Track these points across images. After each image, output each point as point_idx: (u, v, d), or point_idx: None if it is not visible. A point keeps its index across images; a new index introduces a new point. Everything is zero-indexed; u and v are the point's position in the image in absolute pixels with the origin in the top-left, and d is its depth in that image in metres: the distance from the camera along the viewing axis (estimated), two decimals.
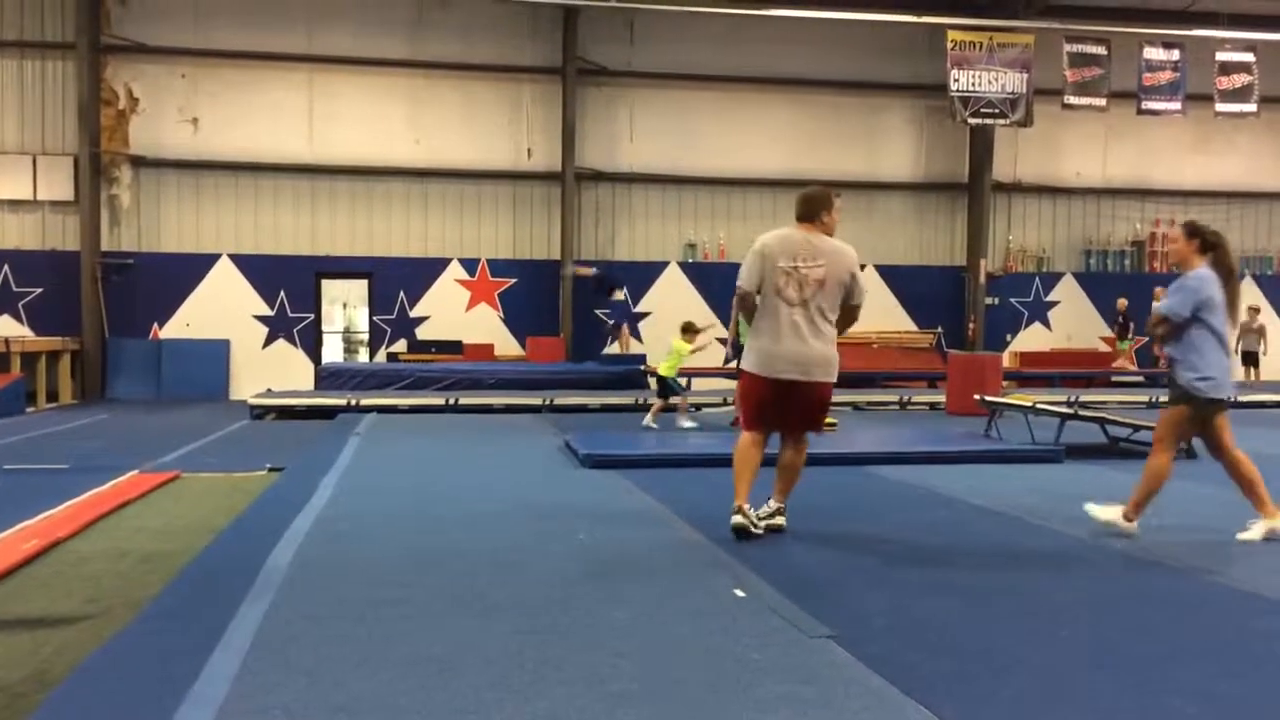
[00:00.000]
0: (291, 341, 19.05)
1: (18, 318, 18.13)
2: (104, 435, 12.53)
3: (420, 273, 19.37)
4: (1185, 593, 4.90)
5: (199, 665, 3.66)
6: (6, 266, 18.19)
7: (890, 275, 20.87)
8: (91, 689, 3.52)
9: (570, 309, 19.43)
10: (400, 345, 19.24)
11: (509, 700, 3.36)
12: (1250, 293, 21.86)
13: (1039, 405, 11.09)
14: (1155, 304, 6.14)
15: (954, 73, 18.39)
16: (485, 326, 19.51)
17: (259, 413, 14.60)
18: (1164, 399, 6.41)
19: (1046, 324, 21.48)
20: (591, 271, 18.93)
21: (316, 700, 3.35)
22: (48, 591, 5.14)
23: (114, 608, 4.77)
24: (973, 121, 18.93)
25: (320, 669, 3.65)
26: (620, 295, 19.10)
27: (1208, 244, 6.04)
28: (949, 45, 18.41)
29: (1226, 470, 6.07)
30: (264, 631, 4.07)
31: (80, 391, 17.91)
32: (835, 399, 16.20)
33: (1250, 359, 20.23)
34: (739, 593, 4.71)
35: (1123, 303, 20.50)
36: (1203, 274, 5.96)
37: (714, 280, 20.22)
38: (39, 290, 18.23)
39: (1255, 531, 5.97)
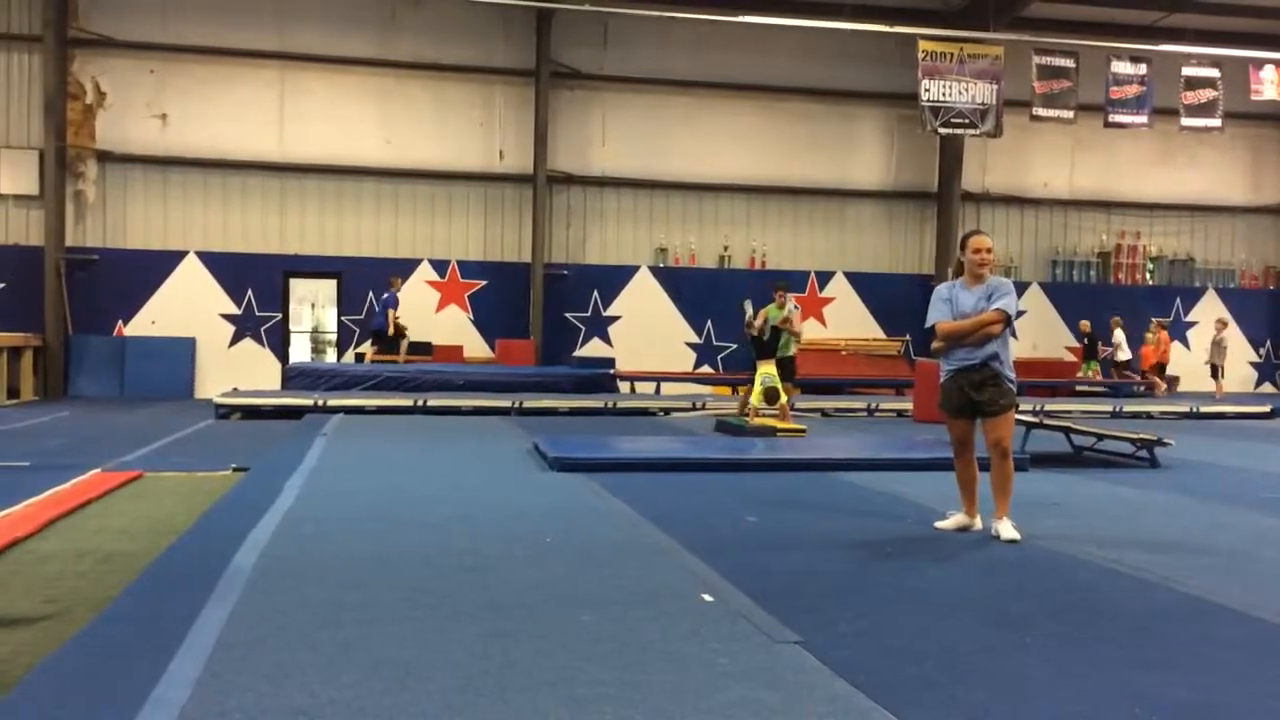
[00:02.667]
0: (258, 340, 18.90)
1: None
2: (66, 433, 12.36)
3: (390, 273, 19.25)
4: (1147, 601, 4.95)
5: (160, 667, 3.61)
6: None
7: (859, 282, 21.00)
8: (50, 690, 3.46)
9: (540, 312, 19.40)
10: (368, 346, 19.11)
11: (474, 704, 3.34)
12: (1214, 305, 22.20)
13: None
14: (995, 307, 6.30)
15: (925, 83, 18.53)
16: (455, 328, 19.44)
17: (224, 412, 14.45)
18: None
19: (1013, 333, 21.59)
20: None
21: (279, 703, 3.32)
22: (6, 591, 5.06)
23: (74, 608, 4.70)
24: (943, 131, 19.09)
25: (283, 672, 3.61)
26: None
27: None
28: (920, 55, 18.56)
29: (993, 464, 6.29)
30: (227, 634, 4.03)
31: (42, 388, 17.67)
32: (802, 405, 16.18)
33: (1215, 371, 20.47)
34: (706, 597, 4.71)
35: (1085, 324, 20.70)
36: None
37: (685, 284, 20.29)
38: (1, 285, 17.97)
39: (952, 521, 6.52)
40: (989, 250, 6.41)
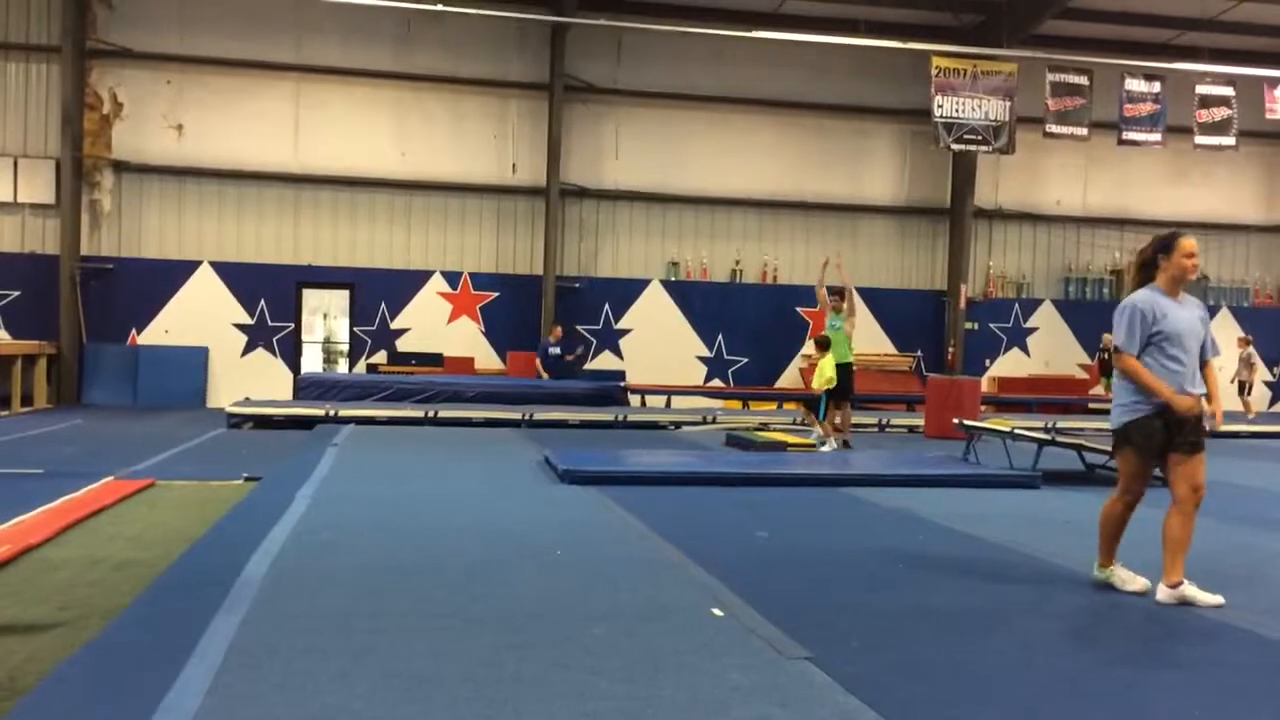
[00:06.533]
0: (271, 350, 18.96)
1: None
2: (79, 441, 12.42)
3: (402, 284, 19.33)
4: (1159, 621, 4.93)
5: (172, 675, 3.63)
6: None
7: (871, 298, 20.93)
8: (62, 697, 3.48)
9: (552, 325, 19.41)
10: (380, 356, 19.18)
11: (485, 715, 3.35)
12: (1228, 324, 22.10)
13: (1017, 431, 11.15)
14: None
15: (938, 99, 18.53)
16: (466, 339, 19.48)
17: (236, 421, 14.50)
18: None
19: (1025, 350, 21.61)
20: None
21: (290, 712, 3.33)
22: (19, 598, 5.09)
23: (87, 616, 4.72)
24: (955, 147, 19.07)
25: (294, 681, 3.62)
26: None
27: None
28: (933, 72, 18.56)
29: (1186, 515, 5.40)
30: (238, 643, 4.04)
31: (56, 396, 17.75)
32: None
33: (1243, 388, 20.29)
34: (717, 612, 4.71)
35: (1108, 338, 20.59)
36: None
37: (696, 298, 20.30)
38: (16, 293, 18.06)
39: (1139, 582, 5.52)
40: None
